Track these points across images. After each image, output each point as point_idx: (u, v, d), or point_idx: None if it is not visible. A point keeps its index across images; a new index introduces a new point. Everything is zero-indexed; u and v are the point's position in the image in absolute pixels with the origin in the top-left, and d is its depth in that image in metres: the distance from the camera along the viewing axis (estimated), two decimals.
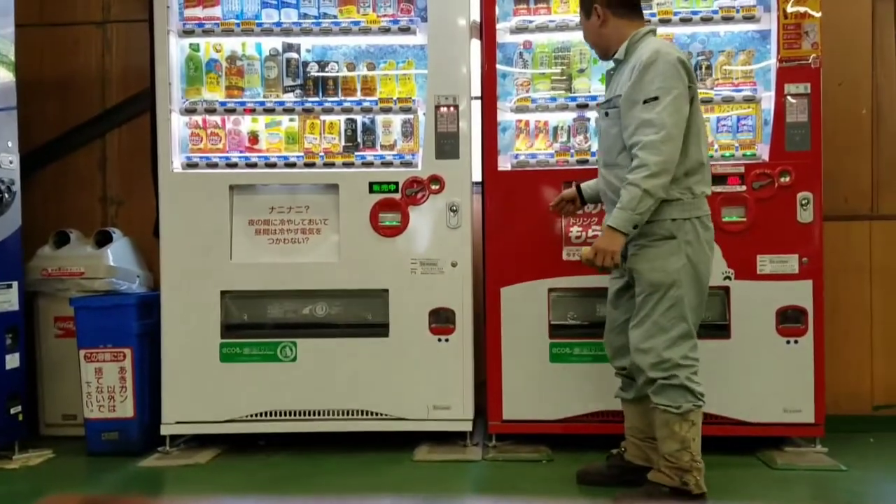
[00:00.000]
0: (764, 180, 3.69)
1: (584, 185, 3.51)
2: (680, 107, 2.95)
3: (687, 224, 2.99)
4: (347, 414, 3.84)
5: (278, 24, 3.98)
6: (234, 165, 3.94)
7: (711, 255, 3.07)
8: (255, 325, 3.91)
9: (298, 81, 4.04)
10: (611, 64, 3.25)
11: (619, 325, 3.25)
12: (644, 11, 3.77)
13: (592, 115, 3.91)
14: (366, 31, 3.95)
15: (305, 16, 4.00)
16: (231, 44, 4.08)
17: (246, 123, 4.07)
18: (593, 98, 3.87)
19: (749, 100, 3.84)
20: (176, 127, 3.97)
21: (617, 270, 3.19)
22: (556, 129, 3.98)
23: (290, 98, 4.01)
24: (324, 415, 3.84)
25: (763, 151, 3.77)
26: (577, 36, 3.94)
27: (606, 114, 3.16)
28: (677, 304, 2.99)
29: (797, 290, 3.69)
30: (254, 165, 3.94)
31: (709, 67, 3.88)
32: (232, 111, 3.98)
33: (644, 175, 2.87)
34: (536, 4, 3.95)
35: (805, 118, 3.69)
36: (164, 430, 3.87)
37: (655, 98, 2.92)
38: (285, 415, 3.85)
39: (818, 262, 3.67)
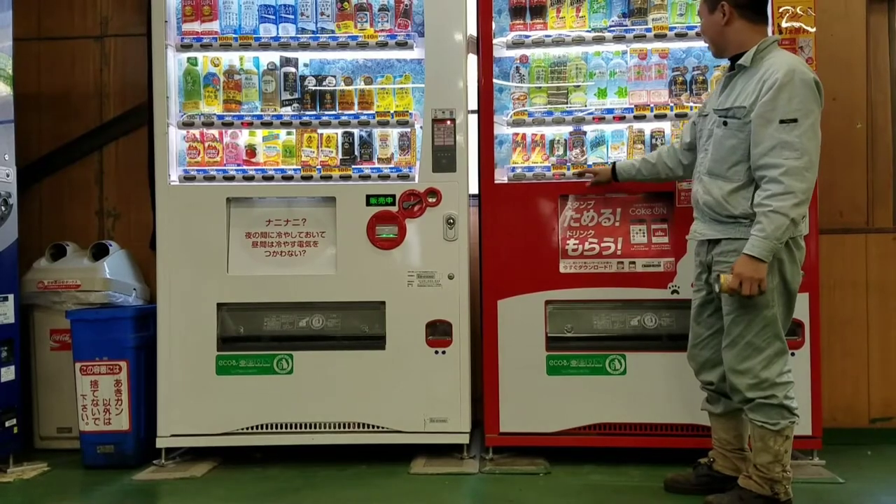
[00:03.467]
0: None
1: (620, 166, 3.61)
2: (818, 131, 2.94)
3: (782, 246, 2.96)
4: (344, 426, 3.84)
5: (276, 38, 4.00)
6: (232, 178, 3.95)
7: (801, 271, 3.06)
8: (252, 337, 3.91)
9: (296, 95, 4.06)
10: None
11: (703, 341, 3.27)
12: (639, 26, 3.86)
13: (588, 128, 3.93)
14: (363, 46, 3.97)
15: (303, 30, 4.02)
16: (229, 58, 4.10)
17: (243, 137, 4.08)
18: (590, 112, 3.89)
19: None
20: (173, 140, 3.98)
21: (697, 282, 3.25)
22: (552, 142, 3.99)
23: (287, 112, 4.02)
24: (320, 427, 3.83)
25: None
26: (574, 51, 3.99)
27: (725, 122, 3.06)
28: (770, 323, 3.00)
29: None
30: (251, 178, 3.95)
31: (704, 81, 3.90)
32: (229, 125, 4.00)
33: (793, 203, 2.84)
34: (533, 20, 3.97)
35: None
36: (160, 443, 3.86)
37: (794, 120, 2.87)
38: (281, 427, 3.84)
39: (814, 276, 3.68)
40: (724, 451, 3.29)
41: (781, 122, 2.89)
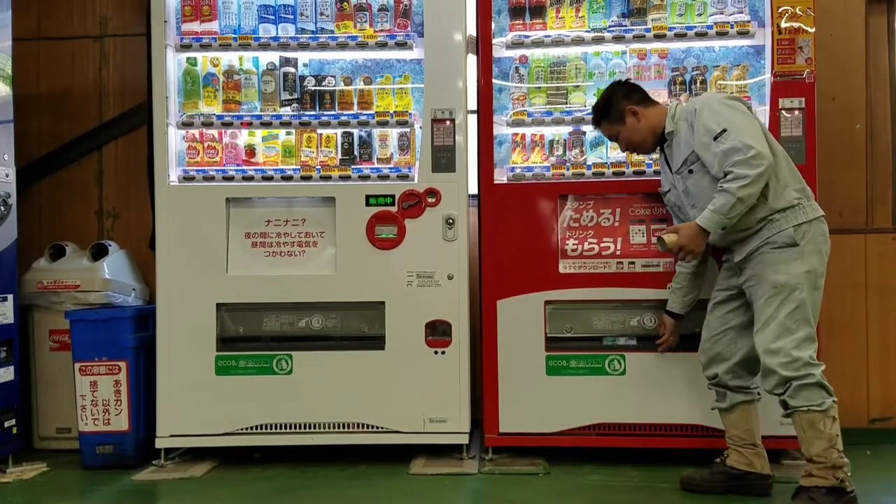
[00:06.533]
0: None
1: (671, 308, 3.59)
2: (749, 126, 3.10)
3: (808, 227, 3.09)
4: (343, 427, 3.83)
5: (276, 38, 4.00)
6: (231, 178, 3.95)
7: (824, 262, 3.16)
8: (251, 338, 3.91)
9: (295, 95, 4.06)
10: None
11: (716, 335, 3.32)
12: (639, 26, 3.87)
13: (588, 128, 3.93)
14: (363, 46, 3.97)
15: (303, 31, 4.02)
16: (228, 58, 4.10)
17: (243, 137, 4.09)
18: (589, 112, 3.88)
19: None
20: (173, 140, 3.98)
21: (724, 282, 3.32)
22: (552, 142, 3.99)
23: (287, 112, 4.02)
24: (319, 428, 3.83)
25: None
26: (573, 51, 3.99)
27: (691, 171, 3.27)
28: (801, 306, 3.05)
29: None
30: (250, 178, 3.95)
31: (703, 82, 3.90)
32: (229, 125, 4.00)
33: (739, 185, 3.01)
34: (532, 20, 3.97)
35: (800, 132, 3.71)
36: (159, 444, 3.86)
37: (724, 130, 3.08)
38: (281, 428, 3.84)
39: None
40: (737, 446, 3.30)
41: (715, 138, 3.10)
